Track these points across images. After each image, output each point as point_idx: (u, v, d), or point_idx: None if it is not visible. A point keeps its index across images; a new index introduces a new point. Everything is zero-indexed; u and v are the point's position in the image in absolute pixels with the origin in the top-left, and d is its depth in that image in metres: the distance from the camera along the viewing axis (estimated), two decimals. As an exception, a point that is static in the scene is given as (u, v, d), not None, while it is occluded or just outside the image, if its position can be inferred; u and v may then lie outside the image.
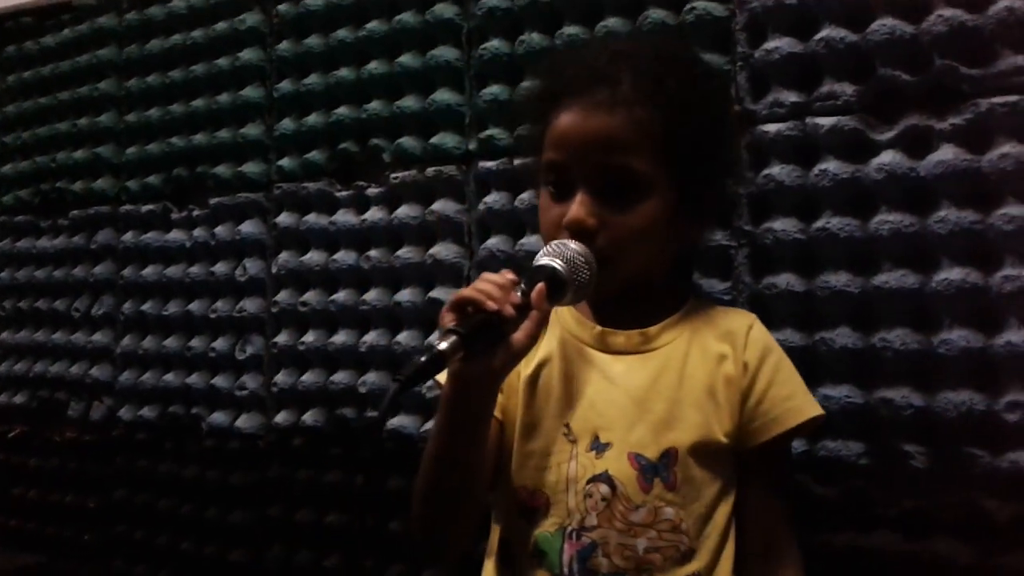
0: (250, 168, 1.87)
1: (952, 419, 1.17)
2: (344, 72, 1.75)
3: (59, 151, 2.22)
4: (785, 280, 1.29)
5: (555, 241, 0.95)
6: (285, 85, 1.83)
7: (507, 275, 0.90)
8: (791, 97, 1.30)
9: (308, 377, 1.75)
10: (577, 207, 0.95)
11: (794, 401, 1.00)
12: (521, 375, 1.04)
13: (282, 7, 1.84)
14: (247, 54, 1.88)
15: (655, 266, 1.03)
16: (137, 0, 2.09)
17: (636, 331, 1.02)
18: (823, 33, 1.27)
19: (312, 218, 1.78)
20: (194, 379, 1.92)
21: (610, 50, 1.08)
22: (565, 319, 1.06)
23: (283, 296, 1.80)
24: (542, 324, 0.89)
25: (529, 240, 1.51)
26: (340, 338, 1.72)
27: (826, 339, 1.25)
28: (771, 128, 1.31)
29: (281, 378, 1.78)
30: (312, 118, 1.79)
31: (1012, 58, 1.16)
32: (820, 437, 1.26)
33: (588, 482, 0.96)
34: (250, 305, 1.85)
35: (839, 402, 1.24)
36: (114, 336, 2.08)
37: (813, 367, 1.27)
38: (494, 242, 1.55)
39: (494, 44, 1.57)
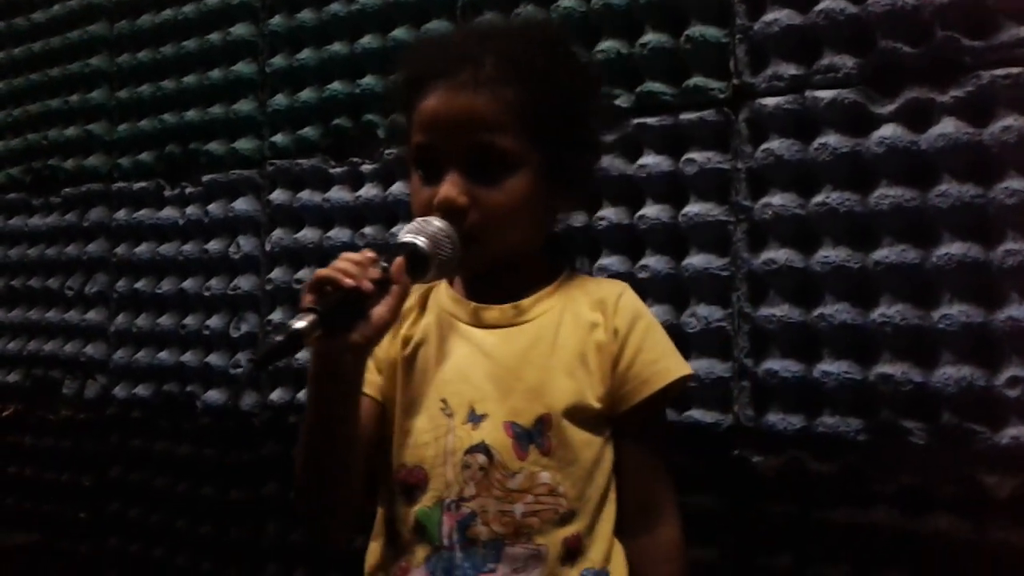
0: (243, 145, 1.85)
1: (952, 395, 1.16)
2: (337, 47, 1.73)
3: (50, 128, 2.21)
4: (784, 255, 1.28)
5: (418, 219, 0.97)
6: (278, 60, 1.82)
7: (367, 253, 0.91)
8: (790, 70, 1.29)
9: (303, 355, 1.73)
10: (447, 187, 0.97)
11: (662, 363, 1.01)
12: (399, 356, 1.06)
13: (274, -19, 1.82)
14: (239, 29, 1.86)
15: (529, 241, 1.04)
16: (127, -25, 2.07)
17: (509, 304, 1.03)
18: (823, 5, 1.26)
19: (306, 195, 1.77)
20: (188, 357, 1.91)
21: (474, 33, 1.12)
22: (442, 299, 1.08)
23: (277, 274, 1.79)
24: (403, 298, 0.92)
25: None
26: (335, 316, 1.70)
27: (825, 315, 1.24)
28: (770, 102, 1.29)
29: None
30: (305, 94, 1.77)
31: (1014, 30, 1.14)
32: (818, 413, 1.25)
33: (465, 453, 0.98)
34: (244, 283, 1.84)
35: (838, 378, 1.23)
36: (108, 314, 2.08)
37: (812, 343, 1.27)
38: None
39: (488, 18, 1.54)
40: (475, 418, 0.99)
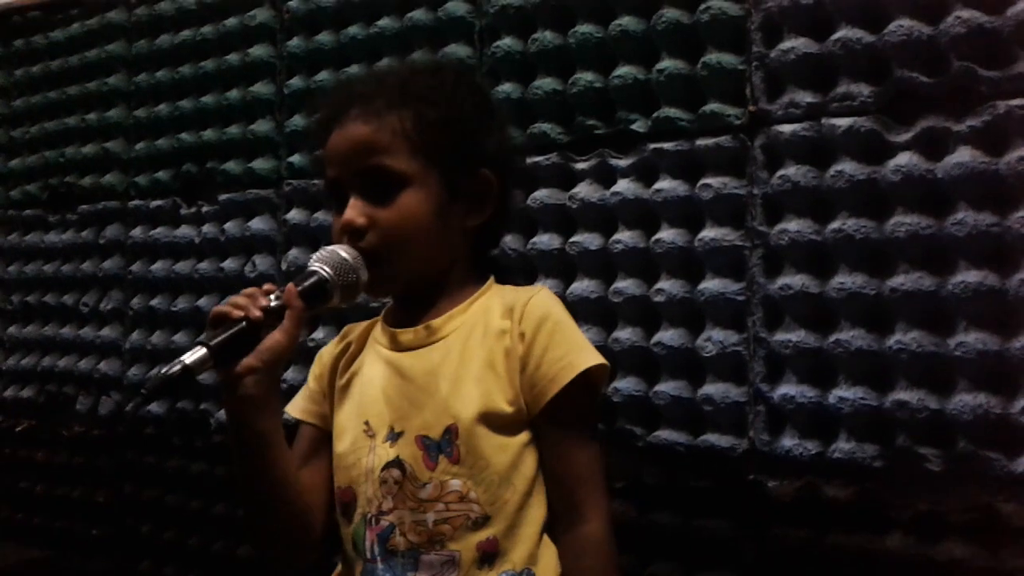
0: (260, 164, 1.87)
1: (967, 422, 1.16)
2: (355, 69, 1.75)
3: (68, 146, 2.22)
4: (800, 281, 1.29)
5: (325, 247, 1.01)
6: (296, 81, 1.83)
7: (265, 286, 0.97)
8: (807, 98, 1.30)
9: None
10: (348, 211, 1.02)
11: (568, 358, 1.02)
12: (336, 386, 1.12)
13: (292, 3, 1.84)
14: (257, 50, 1.88)
15: (434, 258, 1.07)
16: (147, -5, 2.09)
17: (422, 325, 1.06)
18: (839, 34, 1.27)
19: (322, 215, 1.78)
20: (203, 375, 1.90)
21: (370, 75, 1.25)
22: (375, 331, 1.12)
23: (293, 293, 1.80)
24: (298, 322, 0.96)
25: (541, 239, 1.51)
26: (350, 335, 1.71)
27: (841, 341, 1.25)
28: (786, 129, 1.30)
29: (291, 375, 1.78)
30: (323, 115, 1.78)
31: (1030, 60, 1.16)
32: (834, 439, 1.26)
33: (382, 469, 1.02)
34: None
35: (853, 404, 1.24)
36: (122, 331, 2.09)
37: (827, 369, 1.28)
38: (509, 239, 1.54)
39: (506, 42, 1.56)
40: (393, 436, 1.03)
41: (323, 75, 1.79)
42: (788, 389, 1.29)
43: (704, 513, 1.35)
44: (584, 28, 1.48)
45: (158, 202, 2.03)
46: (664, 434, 1.39)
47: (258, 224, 1.87)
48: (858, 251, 1.25)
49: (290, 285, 0.96)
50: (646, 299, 1.41)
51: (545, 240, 1.50)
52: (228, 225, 1.91)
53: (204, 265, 1.94)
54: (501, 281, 1.13)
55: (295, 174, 1.82)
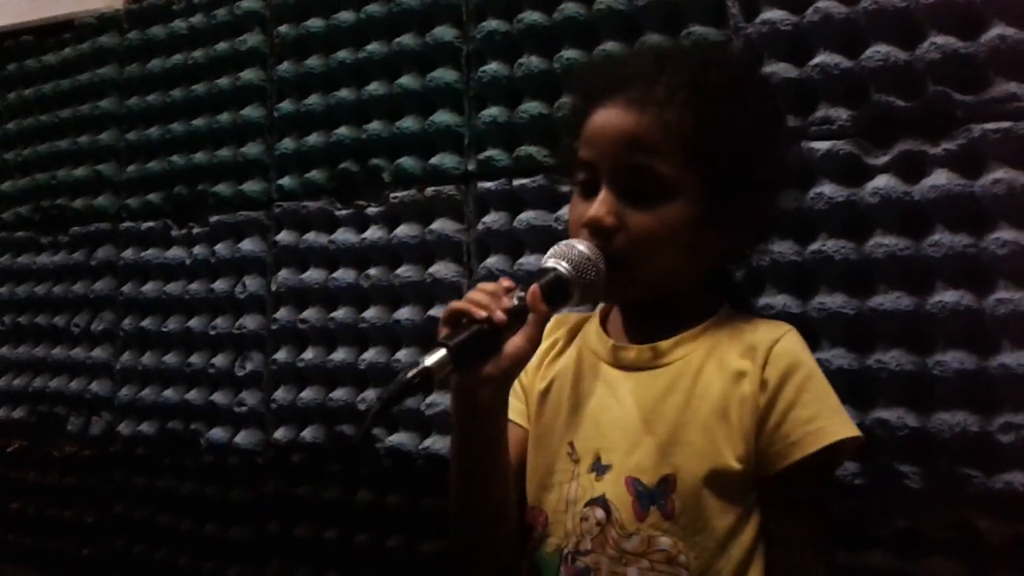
0: (250, 187, 1.88)
1: (946, 440, 1.18)
2: (344, 93, 1.77)
3: (60, 168, 2.24)
4: (781, 301, 1.31)
5: (562, 242, 0.93)
6: (286, 105, 1.85)
7: (504, 282, 0.89)
8: (787, 121, 1.32)
9: (307, 394, 1.76)
10: (598, 205, 0.93)
11: (818, 422, 0.89)
12: (535, 388, 1.03)
13: (283, 28, 1.86)
14: (248, 74, 1.90)
15: (679, 275, 0.96)
16: (138, 19, 2.11)
17: (647, 345, 0.96)
18: (818, 59, 1.29)
19: (312, 236, 1.80)
20: (193, 395, 1.93)
21: (650, 53, 1.08)
22: (588, 333, 1.03)
23: (282, 313, 1.81)
24: (541, 326, 0.88)
25: (528, 260, 1.53)
26: (339, 355, 1.73)
27: (821, 360, 1.26)
28: (767, 151, 1.32)
29: (280, 395, 1.79)
30: (312, 138, 1.80)
31: (1004, 85, 1.18)
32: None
33: (586, 505, 0.93)
34: (250, 322, 1.86)
35: (835, 422, 1.25)
36: (113, 352, 2.09)
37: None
38: (492, 261, 1.57)
39: (493, 67, 1.59)
40: (599, 468, 0.94)
41: (313, 98, 1.81)
42: (771, 408, 1.31)
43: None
44: (569, 53, 1.50)
45: (149, 224, 2.05)
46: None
47: (248, 245, 1.88)
48: (838, 272, 1.27)
49: (534, 286, 0.88)
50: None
51: (531, 261, 1.52)
52: (218, 246, 1.93)
53: (195, 286, 1.96)
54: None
55: (285, 196, 1.84)
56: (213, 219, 1.94)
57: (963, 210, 1.19)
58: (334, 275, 1.76)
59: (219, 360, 1.89)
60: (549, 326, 1.04)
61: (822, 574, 0.93)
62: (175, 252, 2.00)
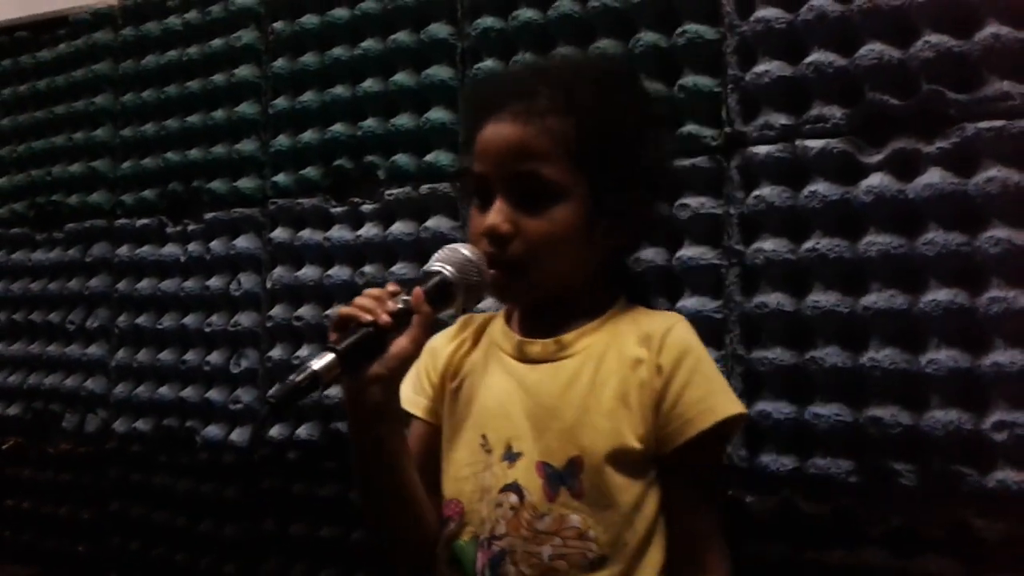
0: (245, 184, 1.88)
1: (940, 438, 1.18)
2: (339, 90, 1.77)
3: (55, 165, 2.23)
4: (775, 299, 1.31)
5: (446, 247, 0.99)
6: (280, 102, 1.85)
7: (390, 287, 0.95)
8: (781, 120, 1.32)
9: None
10: (493, 214, 0.99)
11: (708, 401, 0.98)
12: (447, 387, 1.08)
13: (278, 25, 1.86)
14: (243, 71, 1.90)
15: (574, 273, 1.03)
16: (133, 15, 2.11)
17: (552, 339, 1.03)
18: (812, 57, 1.29)
19: (307, 234, 1.80)
20: (188, 392, 1.93)
21: (532, 67, 1.16)
22: (494, 331, 1.09)
23: (277, 311, 1.81)
24: (426, 327, 0.94)
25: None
26: (334, 353, 1.72)
27: (816, 358, 1.27)
28: (761, 150, 1.33)
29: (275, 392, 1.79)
30: (307, 135, 1.80)
31: (998, 83, 1.18)
32: (810, 455, 1.28)
33: (500, 491, 0.98)
34: (245, 319, 1.86)
35: (829, 420, 1.26)
36: (109, 349, 2.09)
37: (804, 385, 1.29)
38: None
39: (488, 64, 1.58)
40: (511, 456, 0.99)
41: (308, 95, 1.80)
42: (765, 405, 1.31)
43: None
44: (564, 50, 1.49)
45: (144, 220, 2.05)
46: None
47: (243, 243, 1.88)
48: (832, 270, 1.27)
49: (417, 289, 0.94)
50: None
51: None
52: (213, 243, 1.93)
53: (190, 283, 1.95)
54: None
55: (280, 193, 1.84)
56: (208, 216, 1.94)
57: (957, 209, 1.20)
58: (329, 272, 1.75)
59: (214, 357, 1.89)
60: (456, 327, 1.13)
61: (718, 536, 1.01)
62: (170, 249, 2.00)
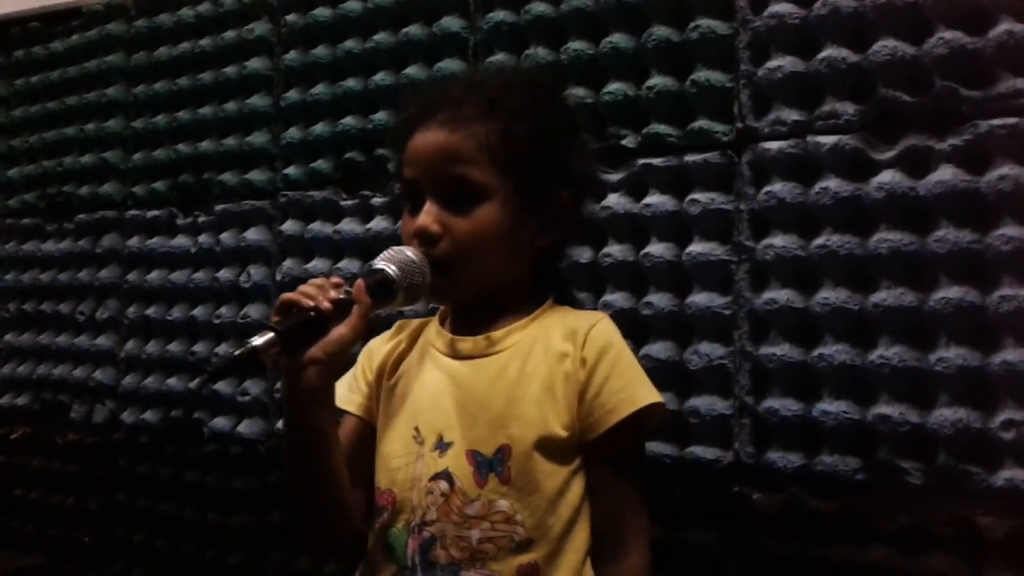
0: (256, 176, 1.89)
1: (948, 436, 1.18)
2: (351, 82, 1.77)
3: (66, 156, 2.24)
4: (785, 296, 1.31)
5: (393, 247, 1.03)
6: (292, 94, 1.85)
7: (334, 279, 1.00)
8: (793, 115, 1.32)
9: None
10: (423, 216, 1.03)
11: (628, 391, 1.03)
12: (384, 385, 1.12)
13: (290, 17, 1.87)
14: (255, 63, 1.90)
15: (502, 272, 1.08)
16: (146, 7, 2.11)
17: (482, 336, 1.07)
18: (825, 53, 1.29)
19: (317, 226, 1.80)
20: (197, 384, 1.92)
21: (458, 79, 1.26)
22: (429, 332, 1.14)
23: (287, 303, 1.81)
24: (365, 318, 0.98)
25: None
26: (343, 346, 1.73)
27: (824, 355, 1.27)
28: (772, 146, 1.33)
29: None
30: (318, 127, 1.80)
31: (1011, 81, 1.18)
32: (817, 452, 1.27)
33: (430, 480, 1.02)
34: (254, 311, 1.86)
35: (836, 417, 1.25)
36: (118, 340, 2.10)
37: (812, 382, 1.29)
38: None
39: (500, 58, 1.58)
40: (442, 446, 1.03)
41: (319, 88, 1.81)
42: (773, 402, 1.31)
43: (689, 525, 1.37)
44: (576, 45, 1.50)
45: (155, 212, 2.05)
46: (650, 446, 1.40)
47: (253, 235, 1.89)
48: (842, 267, 1.27)
49: (359, 281, 0.98)
50: (635, 312, 1.43)
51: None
52: (224, 235, 1.93)
53: (199, 275, 1.96)
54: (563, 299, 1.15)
55: (290, 185, 1.84)
56: (218, 208, 1.94)
57: (968, 206, 1.19)
58: (339, 265, 1.76)
59: (223, 349, 1.89)
60: (393, 330, 1.18)
61: (643, 517, 1.05)
62: (180, 240, 2.01)
